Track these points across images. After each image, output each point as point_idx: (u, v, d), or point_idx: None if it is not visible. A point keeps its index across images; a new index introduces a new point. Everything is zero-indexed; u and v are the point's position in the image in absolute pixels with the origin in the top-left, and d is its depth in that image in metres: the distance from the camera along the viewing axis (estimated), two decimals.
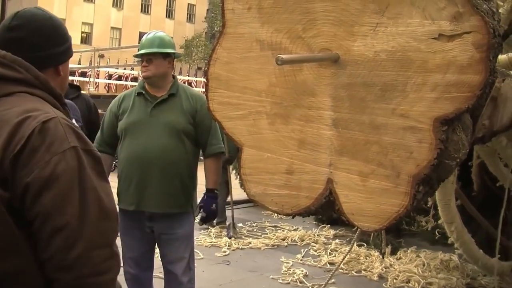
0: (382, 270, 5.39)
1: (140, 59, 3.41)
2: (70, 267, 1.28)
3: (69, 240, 1.28)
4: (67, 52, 1.62)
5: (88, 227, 1.30)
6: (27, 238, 1.29)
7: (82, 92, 5.13)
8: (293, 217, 2.50)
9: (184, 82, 19.14)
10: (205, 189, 3.47)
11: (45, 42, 1.53)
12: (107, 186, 1.40)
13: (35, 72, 1.46)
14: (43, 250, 1.29)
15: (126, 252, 3.35)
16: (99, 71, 22.94)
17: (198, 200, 3.50)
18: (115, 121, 3.42)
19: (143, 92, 3.39)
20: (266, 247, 6.30)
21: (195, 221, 3.52)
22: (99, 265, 1.32)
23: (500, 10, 3.27)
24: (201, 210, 3.47)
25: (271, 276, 5.18)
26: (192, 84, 19.75)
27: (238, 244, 6.28)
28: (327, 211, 2.38)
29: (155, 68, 3.33)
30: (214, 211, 3.47)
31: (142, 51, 3.35)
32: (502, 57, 3.17)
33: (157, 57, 3.34)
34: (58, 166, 1.29)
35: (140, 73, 3.58)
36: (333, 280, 4.69)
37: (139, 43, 3.59)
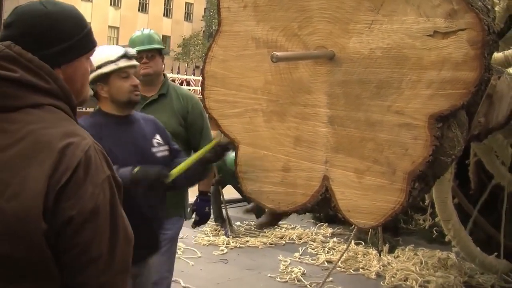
0: (380, 268, 5.39)
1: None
2: None
3: (100, 269, 1.31)
4: (68, 52, 1.41)
5: (117, 256, 1.33)
6: (56, 264, 1.30)
7: None
8: (288, 215, 2.50)
9: (183, 81, 19.17)
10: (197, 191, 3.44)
11: (35, 42, 1.36)
12: (123, 212, 1.41)
13: (61, 82, 1.38)
14: (73, 276, 1.30)
15: None
16: None
17: (190, 200, 3.48)
18: None
19: None
20: (264, 246, 6.29)
21: (187, 220, 3.50)
22: (119, 287, 1.37)
23: (496, 8, 3.27)
24: (194, 213, 3.46)
25: (269, 275, 5.17)
26: (191, 83, 19.71)
27: (236, 243, 6.27)
28: (323, 208, 2.39)
29: (155, 65, 3.29)
30: (207, 214, 3.44)
31: (146, 47, 3.26)
32: (498, 55, 3.17)
33: (156, 54, 3.31)
34: (99, 198, 1.30)
35: None
36: (330, 279, 4.69)
37: None
